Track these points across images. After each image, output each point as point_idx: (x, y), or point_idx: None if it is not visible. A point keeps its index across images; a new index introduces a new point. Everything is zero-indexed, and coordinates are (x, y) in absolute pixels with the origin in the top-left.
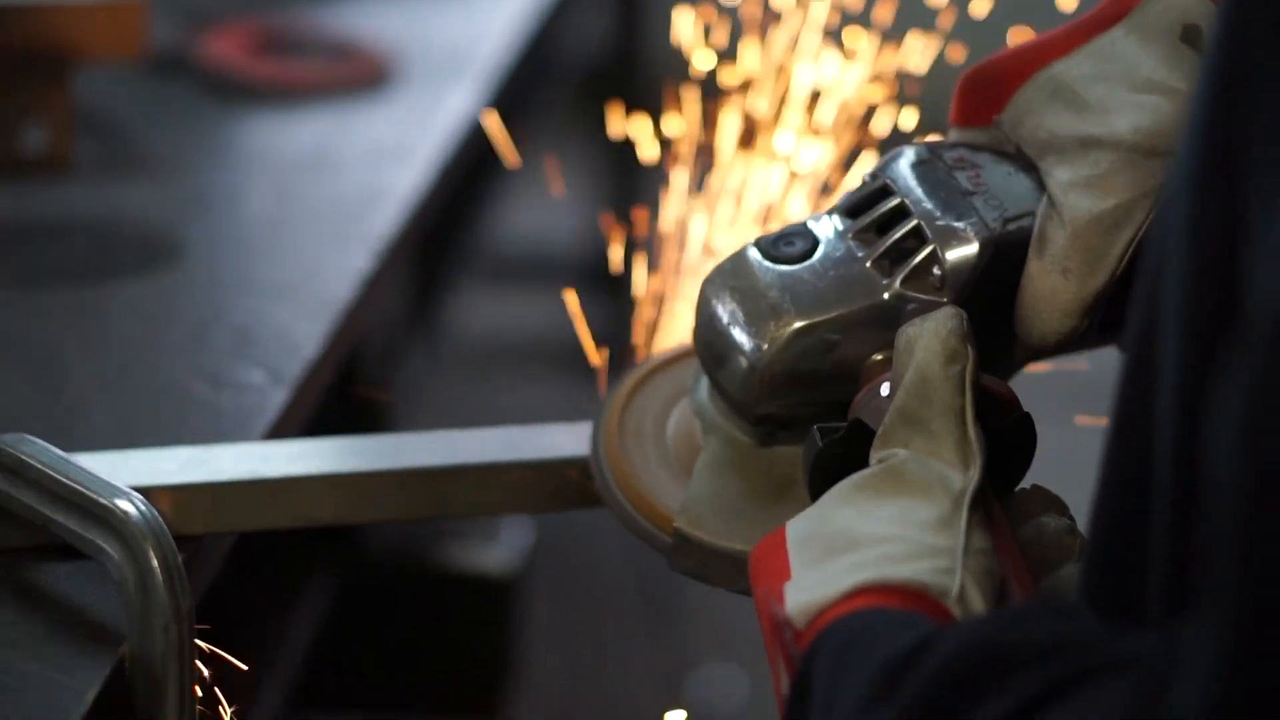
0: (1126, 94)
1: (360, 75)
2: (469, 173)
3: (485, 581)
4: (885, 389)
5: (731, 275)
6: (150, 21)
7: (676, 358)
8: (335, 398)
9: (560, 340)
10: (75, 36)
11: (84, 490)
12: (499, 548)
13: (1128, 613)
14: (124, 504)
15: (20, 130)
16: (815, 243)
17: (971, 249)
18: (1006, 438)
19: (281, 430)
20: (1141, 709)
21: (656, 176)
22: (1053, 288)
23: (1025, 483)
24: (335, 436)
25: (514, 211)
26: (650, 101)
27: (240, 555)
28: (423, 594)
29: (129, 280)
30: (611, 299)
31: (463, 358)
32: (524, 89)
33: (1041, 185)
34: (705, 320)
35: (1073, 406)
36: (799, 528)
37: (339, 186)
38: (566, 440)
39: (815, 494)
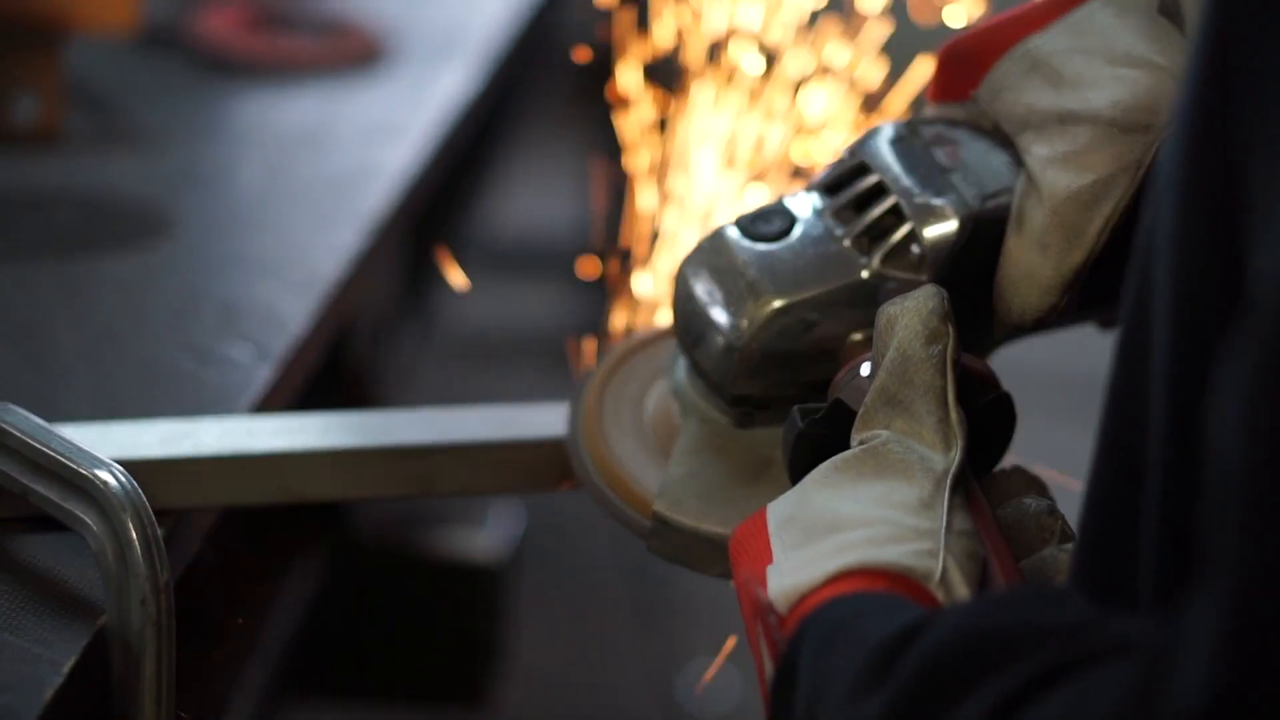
0: (1104, 68)
1: (353, 53)
2: (461, 153)
3: (473, 568)
4: (865, 369)
5: (710, 254)
6: None
7: (654, 338)
8: (322, 376)
9: (551, 326)
10: (67, 8)
11: (64, 460)
12: (487, 534)
13: (1119, 595)
14: (104, 474)
15: (10, 101)
16: (793, 221)
17: (950, 226)
18: (987, 416)
19: (266, 407)
20: (1143, 691)
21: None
22: (1031, 264)
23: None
24: (321, 412)
25: (507, 193)
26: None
27: (227, 539)
28: (410, 580)
29: (116, 253)
30: (599, 284)
31: (452, 341)
32: (519, 70)
33: (1019, 161)
34: (683, 299)
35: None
36: (780, 510)
37: (330, 164)
38: (553, 420)
39: (795, 476)
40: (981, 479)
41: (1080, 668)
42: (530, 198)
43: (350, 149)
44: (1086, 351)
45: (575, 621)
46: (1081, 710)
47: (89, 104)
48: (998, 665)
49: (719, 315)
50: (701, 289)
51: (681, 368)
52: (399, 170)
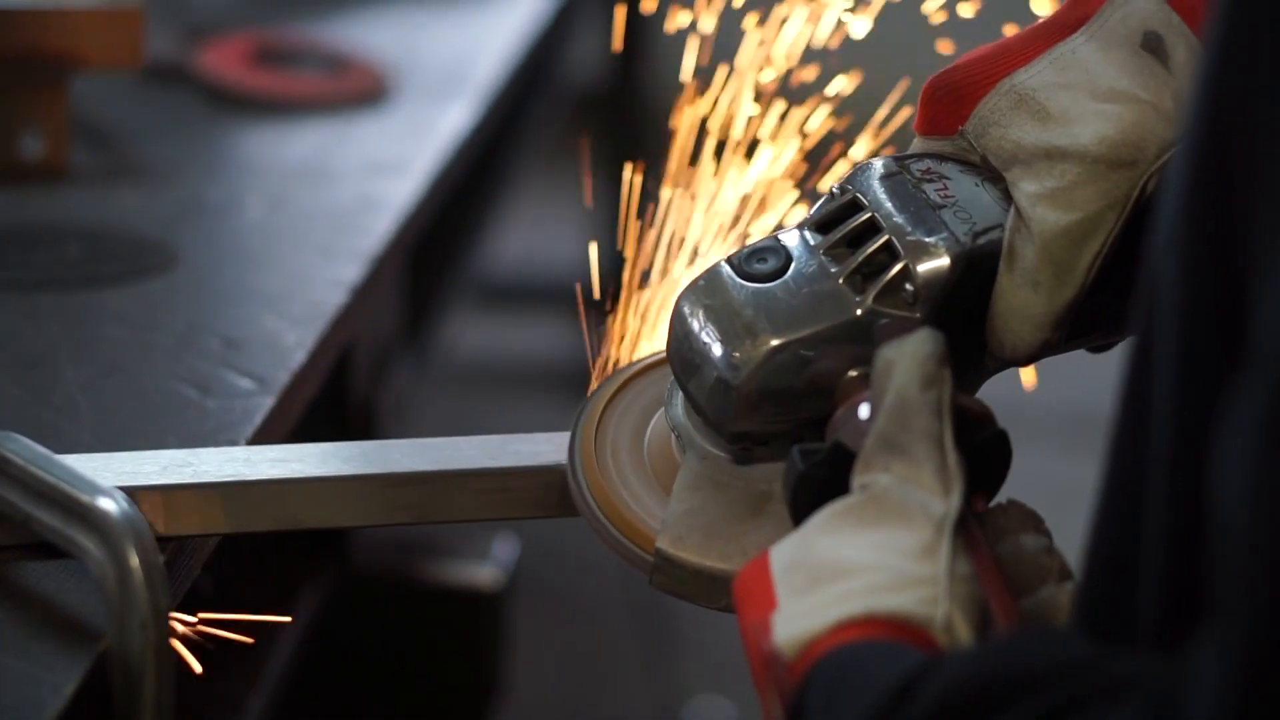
0: (1089, 103)
1: (356, 89)
2: (461, 187)
3: (474, 599)
4: (864, 410)
5: (705, 293)
6: (148, 31)
7: (651, 365)
8: (323, 406)
9: (550, 359)
10: (74, 44)
11: (66, 488)
12: (488, 565)
13: (1122, 633)
14: (105, 502)
15: (18, 136)
16: (787, 258)
17: (943, 264)
18: (983, 453)
19: (267, 437)
20: None
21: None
22: (1024, 301)
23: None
24: (319, 443)
25: (506, 227)
26: (644, 121)
27: (227, 569)
28: (410, 610)
29: (120, 286)
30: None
31: (451, 372)
32: (519, 106)
33: (1008, 194)
34: (680, 338)
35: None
36: (783, 555)
37: (332, 198)
38: (550, 448)
39: (797, 516)
40: (979, 513)
41: (1086, 708)
42: (529, 231)
43: (352, 183)
44: (1071, 383)
45: (576, 653)
46: None
47: (94, 139)
48: (1005, 706)
49: (716, 355)
50: (698, 328)
51: (679, 403)
52: (400, 204)
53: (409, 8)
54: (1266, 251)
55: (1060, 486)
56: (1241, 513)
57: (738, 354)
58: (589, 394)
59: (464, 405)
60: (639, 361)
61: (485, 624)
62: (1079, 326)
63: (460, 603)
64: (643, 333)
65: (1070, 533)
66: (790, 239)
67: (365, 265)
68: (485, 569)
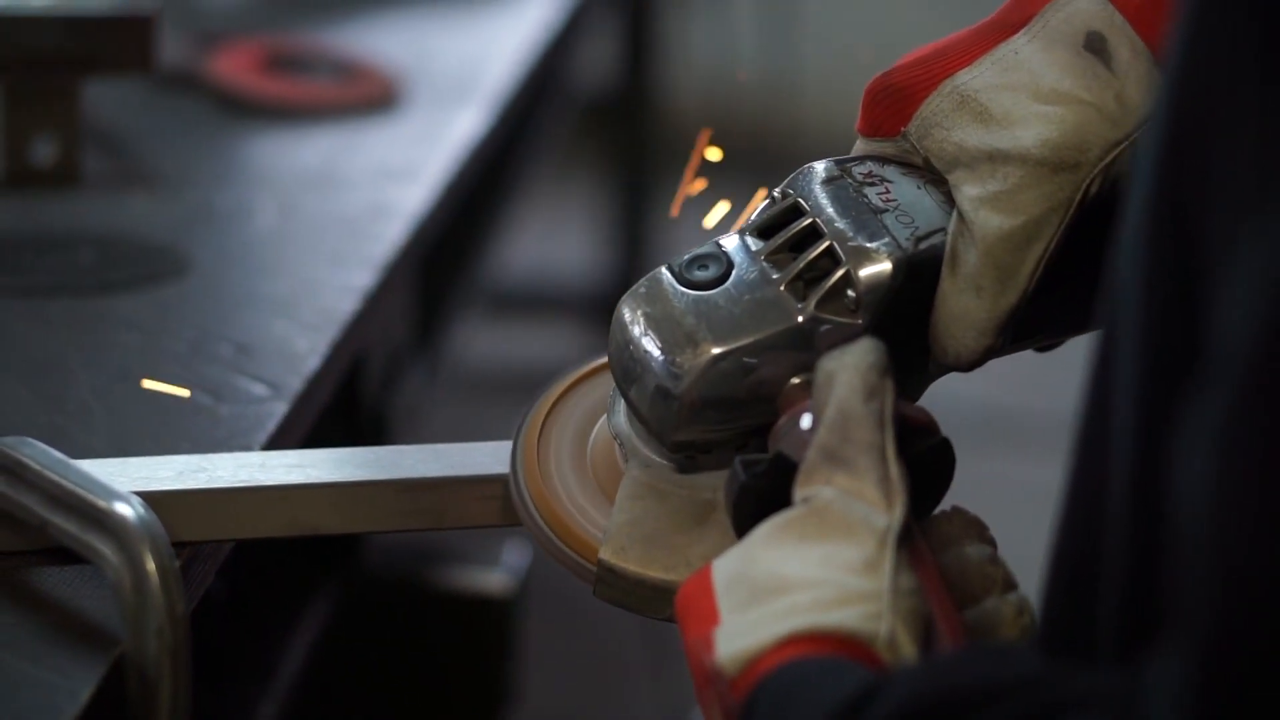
0: (1031, 104)
1: (367, 96)
2: (473, 193)
3: (484, 607)
4: (805, 420)
5: (646, 300)
6: (160, 37)
7: (593, 371)
8: (335, 412)
9: (559, 364)
10: (86, 50)
11: (82, 493)
12: (499, 572)
13: (1083, 647)
14: (121, 507)
15: (29, 142)
16: (729, 265)
17: (884, 269)
18: (926, 462)
19: (280, 442)
20: None
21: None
22: (966, 307)
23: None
24: (333, 448)
25: (517, 233)
26: (655, 127)
27: (240, 574)
28: (422, 617)
29: (133, 292)
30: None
31: (463, 379)
32: (531, 113)
33: (951, 197)
34: (621, 346)
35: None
36: (725, 568)
37: (343, 205)
38: None
39: (740, 528)
40: (922, 521)
41: None
42: (540, 238)
43: (363, 190)
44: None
45: (586, 663)
46: None
47: (106, 145)
48: None
49: (656, 364)
50: (638, 336)
51: (621, 411)
52: (411, 211)
53: (420, 15)
54: (1222, 258)
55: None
56: (1199, 521)
57: (679, 363)
58: (531, 400)
59: (475, 412)
60: (581, 367)
61: (495, 630)
62: (1023, 329)
63: (471, 609)
64: None
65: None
66: (731, 244)
67: (377, 272)
68: (496, 575)
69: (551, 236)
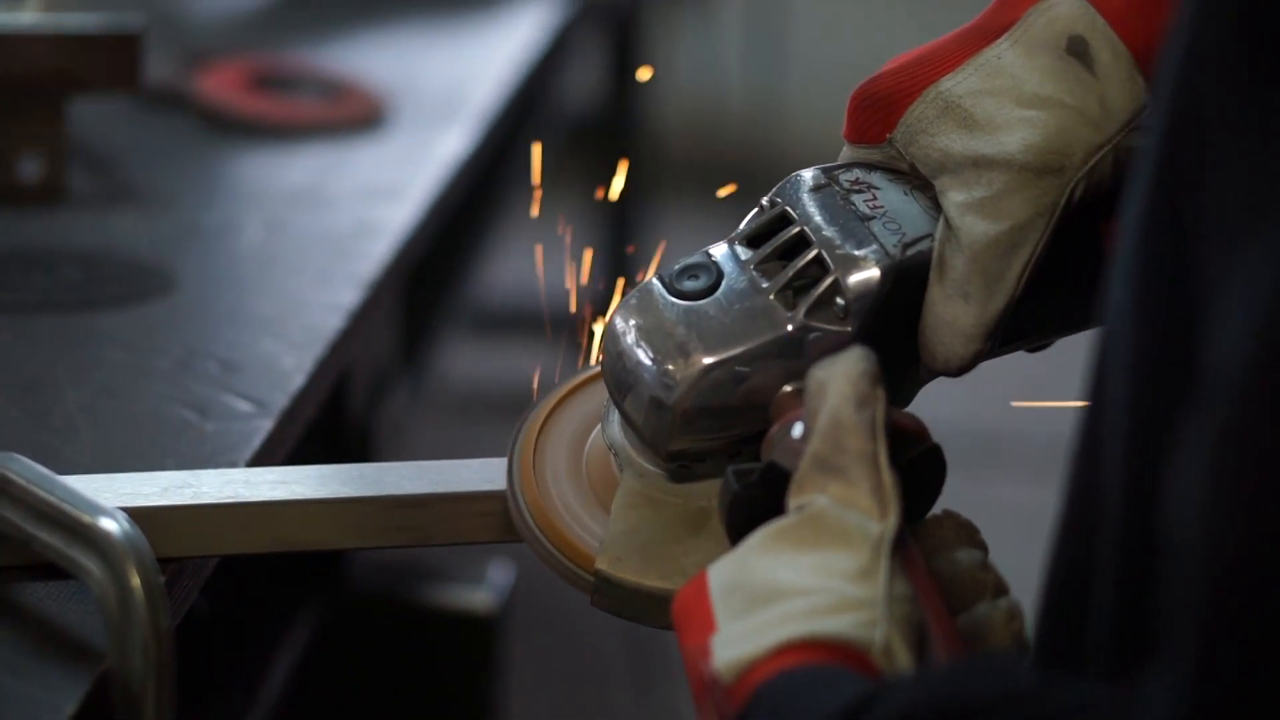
0: (1015, 110)
1: (354, 115)
2: (458, 212)
3: (469, 625)
4: (798, 429)
5: (637, 311)
6: (147, 56)
7: (587, 379)
8: (320, 429)
9: (544, 382)
10: (72, 68)
11: (67, 508)
12: (484, 590)
13: (1076, 662)
14: (106, 522)
15: (16, 159)
16: (719, 274)
17: (873, 276)
18: (918, 469)
19: (265, 459)
20: None
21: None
22: (954, 313)
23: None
24: (318, 465)
25: (502, 252)
26: (641, 148)
27: (225, 590)
28: (405, 634)
29: (119, 309)
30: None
31: (448, 396)
32: (516, 133)
33: (938, 203)
34: (614, 357)
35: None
36: (721, 575)
37: (329, 223)
38: None
39: (734, 536)
40: (914, 527)
41: None
42: (524, 257)
43: (349, 208)
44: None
45: (570, 681)
46: None
47: (92, 163)
48: None
49: (649, 374)
50: (630, 347)
51: (615, 421)
52: (397, 229)
53: (406, 34)
54: (1217, 276)
55: None
56: (1192, 537)
57: (671, 374)
58: (526, 411)
59: (459, 430)
60: (576, 375)
61: (480, 648)
62: (1010, 333)
63: (455, 627)
64: None
65: None
66: (720, 254)
67: (362, 290)
68: (480, 593)
69: (535, 256)
